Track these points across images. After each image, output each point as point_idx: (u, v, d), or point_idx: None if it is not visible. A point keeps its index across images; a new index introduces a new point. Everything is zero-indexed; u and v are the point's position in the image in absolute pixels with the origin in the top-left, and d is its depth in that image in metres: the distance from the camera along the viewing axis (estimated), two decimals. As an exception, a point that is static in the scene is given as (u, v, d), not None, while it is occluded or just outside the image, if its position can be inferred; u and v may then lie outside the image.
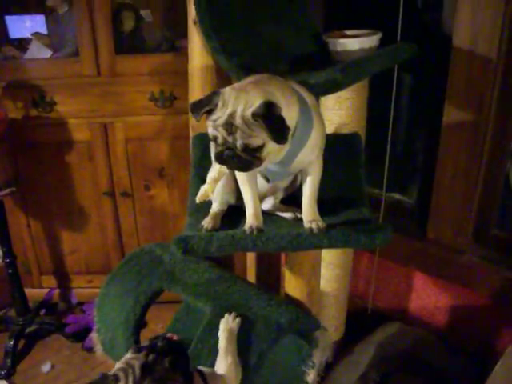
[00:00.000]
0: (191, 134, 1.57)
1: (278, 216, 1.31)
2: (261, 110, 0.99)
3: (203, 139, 1.42)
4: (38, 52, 2.17)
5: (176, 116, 2.07)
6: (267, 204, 1.32)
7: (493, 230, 1.82)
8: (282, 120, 0.99)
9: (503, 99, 1.65)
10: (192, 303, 1.46)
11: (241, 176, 1.21)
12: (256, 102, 1.00)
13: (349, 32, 1.53)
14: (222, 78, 1.48)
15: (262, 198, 1.29)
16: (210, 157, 1.35)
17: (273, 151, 1.04)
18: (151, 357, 1.05)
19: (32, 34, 2.20)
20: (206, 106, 1.04)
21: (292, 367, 1.51)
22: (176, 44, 2.14)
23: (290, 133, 1.04)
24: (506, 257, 1.77)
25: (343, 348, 1.90)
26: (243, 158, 1.04)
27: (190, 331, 1.55)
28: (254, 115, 0.99)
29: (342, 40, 1.47)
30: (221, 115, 1.02)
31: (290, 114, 1.04)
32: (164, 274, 1.49)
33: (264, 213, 1.27)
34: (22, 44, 2.22)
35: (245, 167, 1.07)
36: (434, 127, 1.80)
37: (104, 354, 1.58)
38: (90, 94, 2.08)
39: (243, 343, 1.29)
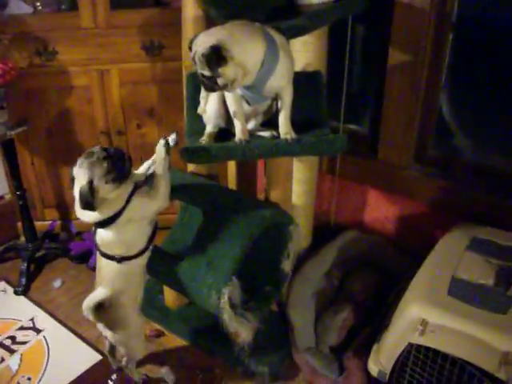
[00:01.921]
0: (184, 73, 1.89)
1: (259, 135, 1.66)
2: (206, 51, 1.34)
3: (195, 77, 1.73)
4: (18, 8, 2.33)
5: (164, 63, 2.34)
6: (250, 124, 1.67)
7: (430, 151, 2.17)
8: (219, 59, 1.33)
9: (435, 44, 1.98)
10: (189, 207, 1.79)
11: (229, 100, 1.56)
12: (208, 44, 1.35)
13: (312, -12, 1.85)
14: (211, 26, 1.80)
15: (246, 120, 1.64)
16: (201, 90, 1.69)
17: (228, 79, 1.38)
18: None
19: None
20: (189, 46, 1.42)
21: (271, 258, 1.87)
22: (161, -1, 2.43)
23: (251, 64, 1.39)
24: (440, 171, 2.13)
25: (311, 252, 2.28)
26: (205, 83, 1.42)
27: (187, 236, 1.89)
28: (202, 55, 1.35)
29: (306, -5, 1.81)
30: (191, 53, 1.40)
31: (251, 50, 1.38)
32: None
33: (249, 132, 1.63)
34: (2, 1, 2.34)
35: (209, 89, 1.45)
36: (381, 68, 2.10)
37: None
38: (88, 45, 2.31)
39: (236, 232, 1.64)
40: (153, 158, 1.65)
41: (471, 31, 2.00)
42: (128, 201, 1.51)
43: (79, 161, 1.51)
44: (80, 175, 1.48)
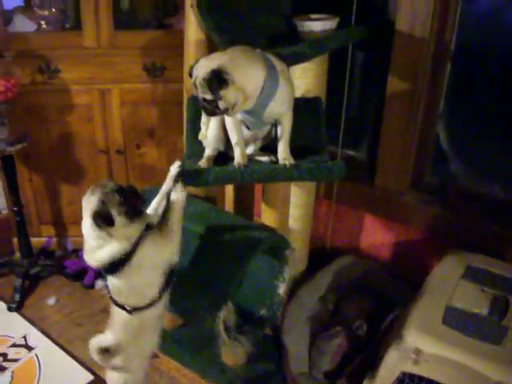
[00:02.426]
0: (185, 97, 1.91)
1: (257, 160, 1.68)
2: (207, 75, 1.36)
3: (196, 100, 1.74)
4: (22, 25, 2.37)
5: (165, 84, 2.37)
6: (249, 149, 1.68)
7: (426, 178, 2.20)
8: (220, 82, 1.35)
9: (433, 73, 2.02)
10: (189, 228, 1.79)
11: (229, 125, 1.58)
12: (209, 68, 1.37)
13: (313, 16, 1.87)
14: (213, 51, 1.83)
15: (245, 144, 1.65)
16: (201, 115, 1.71)
17: (229, 103, 1.39)
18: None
19: (14, 8, 2.40)
20: (189, 72, 1.44)
21: (267, 282, 1.87)
22: (164, 22, 2.44)
23: (252, 89, 1.40)
24: (437, 198, 2.15)
25: (307, 276, 2.29)
26: (206, 107, 1.43)
27: (184, 257, 1.89)
28: (203, 79, 1.37)
29: (307, 22, 1.82)
30: (193, 78, 1.42)
31: (252, 75, 1.40)
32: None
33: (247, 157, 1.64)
34: (7, 16, 2.37)
35: (209, 113, 1.47)
36: (380, 95, 2.13)
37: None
38: (91, 64, 2.34)
39: (232, 254, 1.65)
40: (160, 193, 1.60)
41: (469, 60, 2.04)
42: (138, 242, 1.42)
43: (90, 190, 1.42)
44: (91, 203, 1.38)
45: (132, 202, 1.42)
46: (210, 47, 1.81)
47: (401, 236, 2.28)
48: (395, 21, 1.99)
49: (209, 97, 1.39)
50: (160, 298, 1.52)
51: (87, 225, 1.39)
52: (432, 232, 2.15)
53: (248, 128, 1.61)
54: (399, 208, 2.21)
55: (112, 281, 1.48)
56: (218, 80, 1.36)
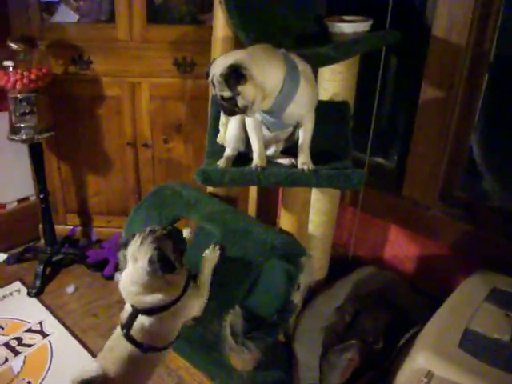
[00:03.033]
0: (210, 94, 1.88)
1: (278, 162, 1.64)
2: (224, 71, 1.32)
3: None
4: (65, 15, 2.39)
5: (195, 80, 2.35)
6: (270, 151, 1.64)
7: (456, 192, 2.11)
8: (238, 77, 1.32)
9: (470, 82, 1.94)
10: (205, 227, 1.77)
11: (249, 125, 1.54)
12: (226, 65, 1.33)
13: (346, 17, 1.82)
14: (239, 47, 1.79)
15: (266, 146, 1.62)
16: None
17: (248, 100, 1.35)
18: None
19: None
20: (206, 72, 1.41)
21: (280, 289, 1.82)
22: (198, 17, 2.42)
23: (270, 86, 1.36)
24: (465, 214, 2.06)
25: (325, 284, 2.23)
26: (225, 106, 1.39)
27: (198, 257, 1.87)
28: (220, 75, 1.33)
29: (339, 24, 1.77)
30: (210, 76, 1.38)
31: (271, 72, 1.36)
32: (182, 205, 1.79)
33: (267, 159, 1.60)
34: (50, 7, 2.42)
35: (228, 112, 1.42)
36: (412, 102, 2.06)
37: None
38: (122, 57, 2.34)
39: (244, 258, 1.61)
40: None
41: (509, 71, 1.95)
42: (185, 290, 1.43)
43: (137, 239, 1.38)
44: (142, 251, 1.36)
45: (181, 247, 1.41)
46: (237, 44, 1.77)
47: (426, 250, 2.20)
48: (432, 26, 1.92)
49: (227, 94, 1.36)
50: (174, 342, 1.52)
51: (139, 271, 1.37)
52: (459, 248, 2.07)
53: (268, 129, 1.57)
54: (426, 221, 2.14)
55: (142, 320, 1.44)
56: (235, 75, 1.32)
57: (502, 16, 1.85)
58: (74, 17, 2.43)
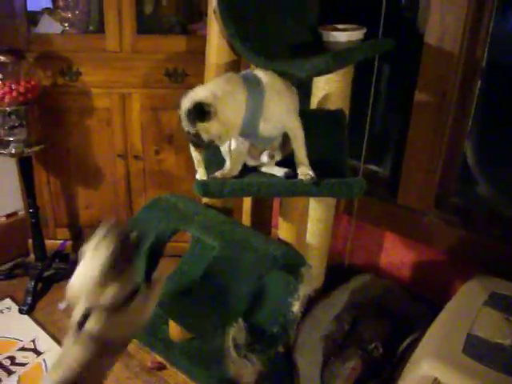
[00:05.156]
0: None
1: (271, 173, 1.61)
2: (189, 108, 1.34)
3: None
4: (49, 27, 2.36)
5: (187, 90, 2.33)
6: (263, 158, 1.61)
7: (451, 198, 2.12)
8: (201, 116, 1.33)
9: (463, 88, 1.94)
10: (203, 240, 1.75)
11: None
12: (192, 102, 1.35)
13: (339, 26, 1.82)
14: (234, 57, 1.79)
15: (259, 154, 1.61)
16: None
17: (212, 135, 1.36)
18: None
19: (43, 9, 2.40)
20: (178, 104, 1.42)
21: (281, 299, 1.81)
22: (188, 27, 2.41)
23: (234, 117, 1.37)
24: (461, 220, 2.07)
25: (323, 293, 2.22)
26: (192, 140, 1.40)
27: (196, 269, 1.85)
28: (185, 111, 1.36)
29: (333, 32, 1.76)
30: (181, 110, 1.40)
31: (233, 104, 1.37)
32: (179, 217, 1.77)
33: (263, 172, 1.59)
34: (33, 18, 2.38)
35: (195, 145, 1.44)
36: (406, 109, 2.07)
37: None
38: (112, 67, 2.31)
39: (245, 270, 1.60)
40: None
41: (501, 78, 1.97)
42: None
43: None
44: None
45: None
46: (232, 54, 1.77)
47: (422, 256, 2.20)
48: (424, 34, 1.92)
49: (191, 129, 1.36)
50: None
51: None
52: (455, 254, 2.07)
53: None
54: (422, 227, 2.14)
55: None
56: (199, 113, 1.33)
57: (493, 22, 1.87)
58: (57, 28, 2.39)
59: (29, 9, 2.34)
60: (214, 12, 1.74)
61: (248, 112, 1.39)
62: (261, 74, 1.44)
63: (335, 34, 1.75)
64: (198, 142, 1.40)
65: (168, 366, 2.08)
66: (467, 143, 2.06)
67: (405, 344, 1.93)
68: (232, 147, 1.55)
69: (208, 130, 1.35)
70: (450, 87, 1.94)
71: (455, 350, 1.53)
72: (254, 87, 1.40)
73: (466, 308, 1.73)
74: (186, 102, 1.37)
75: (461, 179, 2.12)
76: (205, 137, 1.36)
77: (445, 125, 2.00)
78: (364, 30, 1.77)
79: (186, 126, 1.38)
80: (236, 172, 1.57)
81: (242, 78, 1.42)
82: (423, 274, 2.23)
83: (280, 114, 1.45)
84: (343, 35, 1.74)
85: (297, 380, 1.89)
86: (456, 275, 2.08)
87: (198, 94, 1.37)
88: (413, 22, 2.06)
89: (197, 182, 1.51)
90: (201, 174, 1.56)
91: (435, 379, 1.46)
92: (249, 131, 1.43)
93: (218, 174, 1.57)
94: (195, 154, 1.57)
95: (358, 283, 2.23)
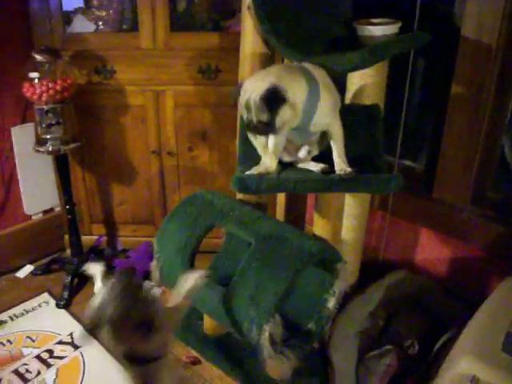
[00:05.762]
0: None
1: (307, 169, 1.62)
2: (264, 95, 1.33)
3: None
4: (82, 26, 2.40)
5: (220, 87, 2.34)
6: (301, 153, 1.62)
7: (488, 193, 2.07)
8: (278, 101, 1.34)
9: (500, 82, 1.90)
10: (239, 236, 1.76)
11: (271, 140, 1.54)
12: (264, 89, 1.34)
13: (374, 20, 1.81)
14: (268, 52, 1.79)
15: (296, 150, 1.61)
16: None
17: (284, 121, 1.37)
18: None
19: (75, 9, 2.44)
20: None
21: (316, 295, 1.81)
22: (220, 24, 2.42)
23: (299, 105, 1.37)
24: (499, 215, 2.03)
25: (357, 289, 2.21)
26: (259, 129, 1.40)
27: (231, 265, 1.86)
28: (260, 99, 1.34)
29: (369, 27, 1.75)
30: (242, 100, 1.39)
31: (298, 90, 1.38)
32: (215, 213, 1.77)
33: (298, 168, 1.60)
34: (68, 17, 2.43)
35: (259, 133, 1.44)
36: (442, 104, 2.03)
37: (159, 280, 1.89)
38: (146, 65, 2.34)
39: (281, 265, 1.59)
40: None
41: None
42: None
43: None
44: None
45: None
46: (266, 49, 1.77)
47: (458, 253, 2.17)
48: (461, 27, 1.89)
49: (265, 117, 1.36)
50: None
51: None
52: (492, 250, 2.03)
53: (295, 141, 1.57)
54: (458, 223, 2.10)
55: None
56: (276, 99, 1.33)
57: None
58: (90, 27, 2.43)
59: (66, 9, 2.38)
60: (249, 8, 1.75)
61: (307, 102, 1.39)
62: (312, 69, 1.45)
63: (370, 28, 1.74)
64: (265, 130, 1.40)
65: (203, 360, 2.10)
66: (505, 137, 2.01)
67: (441, 341, 1.91)
68: (269, 143, 1.54)
69: (282, 115, 1.36)
70: (487, 80, 1.90)
71: (494, 347, 1.51)
72: (312, 81, 1.41)
73: (504, 305, 1.70)
74: (255, 89, 1.35)
75: (498, 173, 2.07)
76: (277, 123, 1.36)
77: (482, 119, 1.96)
78: (399, 24, 1.75)
79: (257, 113, 1.36)
80: (273, 168, 1.57)
81: (303, 70, 1.42)
82: (459, 270, 2.19)
83: (329, 109, 1.46)
84: (378, 29, 1.73)
85: (332, 376, 1.88)
86: (493, 272, 2.04)
87: (266, 80, 1.36)
88: (449, 15, 2.03)
89: (233, 178, 1.52)
90: (271, 161, 1.57)
91: (474, 377, 1.44)
92: (303, 123, 1.44)
93: (254, 170, 1.58)
94: (259, 141, 1.59)
95: (393, 279, 2.20)
